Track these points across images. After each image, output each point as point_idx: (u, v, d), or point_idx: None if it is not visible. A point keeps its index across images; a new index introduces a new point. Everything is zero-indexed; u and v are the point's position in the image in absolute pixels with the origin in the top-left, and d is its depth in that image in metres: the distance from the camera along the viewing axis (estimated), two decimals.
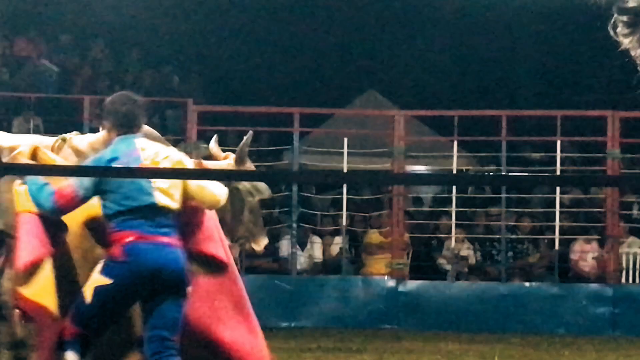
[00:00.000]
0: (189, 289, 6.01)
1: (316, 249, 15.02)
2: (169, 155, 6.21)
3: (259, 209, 8.31)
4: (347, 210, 14.45)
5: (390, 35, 19.80)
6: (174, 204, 6.46)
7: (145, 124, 15.31)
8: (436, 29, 19.34)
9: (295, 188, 14.13)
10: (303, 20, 20.03)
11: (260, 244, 8.37)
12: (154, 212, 6.51)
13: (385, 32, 19.94)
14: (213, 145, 8.47)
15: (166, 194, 6.62)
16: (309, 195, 15.29)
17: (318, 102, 17.20)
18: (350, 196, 14.67)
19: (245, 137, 7.79)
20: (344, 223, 14.48)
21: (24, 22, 17.32)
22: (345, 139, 14.23)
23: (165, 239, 6.34)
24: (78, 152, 6.89)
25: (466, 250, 14.93)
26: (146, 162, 6.18)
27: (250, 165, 8.18)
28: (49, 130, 14.40)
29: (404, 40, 19.54)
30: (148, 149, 6.23)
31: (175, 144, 14.38)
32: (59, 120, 15.23)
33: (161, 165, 6.20)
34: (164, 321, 6.06)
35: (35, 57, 16.84)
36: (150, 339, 6.03)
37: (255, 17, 19.75)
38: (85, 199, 6.01)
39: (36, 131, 14.42)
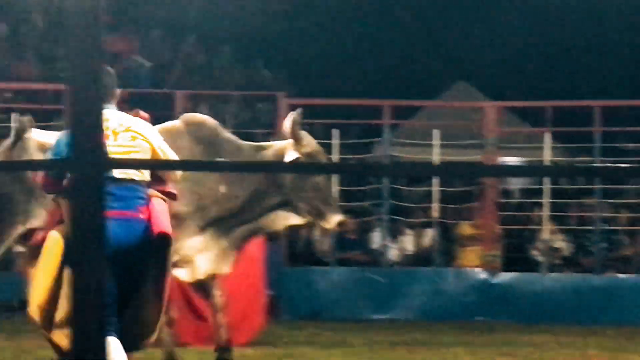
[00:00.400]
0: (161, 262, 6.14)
1: (408, 241, 15.18)
2: (131, 126, 6.32)
3: (327, 186, 8.37)
4: (438, 202, 14.65)
5: (481, 26, 19.69)
6: (137, 174, 6.48)
7: (232, 118, 15.50)
8: (528, 19, 19.25)
9: (386, 180, 14.22)
10: (393, 13, 19.99)
11: (331, 222, 8.42)
12: (112, 186, 6.51)
13: (475, 23, 19.81)
14: (287, 124, 8.70)
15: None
16: (400, 187, 15.32)
17: (408, 94, 17.16)
18: (442, 188, 14.75)
19: (292, 115, 8.24)
20: (436, 215, 14.69)
21: (116, 19, 17.63)
22: (436, 131, 14.39)
23: (126, 213, 6.46)
24: None
25: (559, 242, 14.91)
26: (107, 133, 6.21)
27: (309, 141, 8.22)
28: None
29: (495, 31, 19.43)
30: (112, 119, 6.31)
31: (267, 136, 14.65)
32: (152, 114, 15.66)
33: (120, 136, 6.27)
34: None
35: (128, 53, 17.13)
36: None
37: (345, 10, 19.83)
38: (57, 176, 6.11)
39: None
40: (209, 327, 9.26)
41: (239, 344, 9.72)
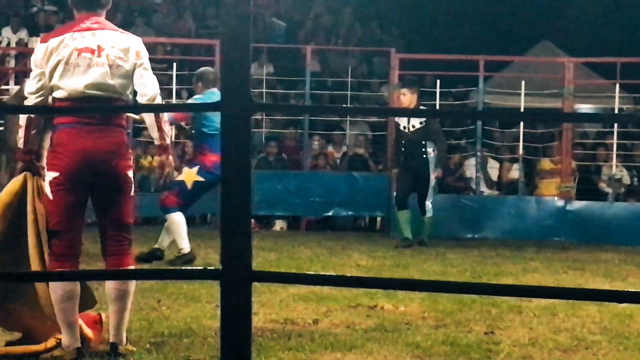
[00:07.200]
0: None
1: (493, 172, 16.75)
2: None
3: None
4: (523, 141, 16.03)
5: None
6: None
7: (352, 70, 17.03)
8: None
9: (479, 123, 15.47)
10: None
11: None
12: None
13: None
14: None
15: None
16: (491, 128, 16.84)
17: (501, 50, 18.37)
18: (526, 130, 16.17)
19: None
20: (521, 152, 16.01)
21: None
22: (523, 82, 15.67)
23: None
24: None
25: (623, 175, 16.39)
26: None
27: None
28: (278, 74, 17.36)
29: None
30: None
31: (380, 85, 17.54)
32: (286, 66, 17.79)
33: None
34: None
35: (266, 15, 19.25)
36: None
37: None
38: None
39: (268, 75, 17.11)
40: None
41: None
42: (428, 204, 13.90)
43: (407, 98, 13.57)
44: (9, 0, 18.51)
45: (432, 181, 13.94)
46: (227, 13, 2.35)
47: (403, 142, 14.02)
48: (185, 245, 11.07)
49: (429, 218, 13.97)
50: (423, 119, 13.56)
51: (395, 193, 14.22)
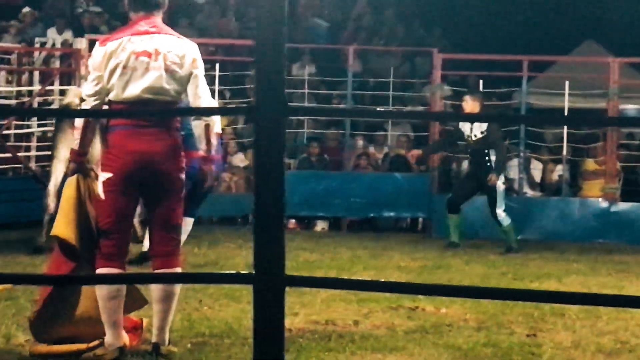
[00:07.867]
0: None
1: (536, 174, 16.77)
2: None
3: None
4: (567, 142, 16.08)
5: None
6: None
7: (394, 70, 17.36)
8: None
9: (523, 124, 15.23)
10: None
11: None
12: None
13: None
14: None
15: None
16: (535, 129, 16.52)
17: (544, 50, 18.31)
18: (571, 130, 16.13)
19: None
20: (565, 153, 16.13)
21: None
22: (567, 82, 15.76)
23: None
24: None
25: None
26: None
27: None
28: (320, 75, 17.41)
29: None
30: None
31: (422, 85, 17.65)
32: (327, 66, 17.86)
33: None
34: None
35: (308, 15, 19.55)
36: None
37: None
38: None
39: (310, 75, 17.26)
40: None
41: None
42: (500, 212, 13.85)
43: (469, 105, 13.76)
44: (54, 1, 18.68)
45: (500, 187, 13.88)
46: (261, 16, 2.36)
47: (469, 150, 14.35)
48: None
49: (508, 226, 13.90)
50: (484, 129, 13.76)
51: (450, 195, 14.33)
